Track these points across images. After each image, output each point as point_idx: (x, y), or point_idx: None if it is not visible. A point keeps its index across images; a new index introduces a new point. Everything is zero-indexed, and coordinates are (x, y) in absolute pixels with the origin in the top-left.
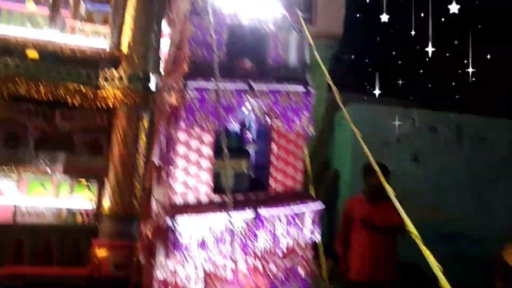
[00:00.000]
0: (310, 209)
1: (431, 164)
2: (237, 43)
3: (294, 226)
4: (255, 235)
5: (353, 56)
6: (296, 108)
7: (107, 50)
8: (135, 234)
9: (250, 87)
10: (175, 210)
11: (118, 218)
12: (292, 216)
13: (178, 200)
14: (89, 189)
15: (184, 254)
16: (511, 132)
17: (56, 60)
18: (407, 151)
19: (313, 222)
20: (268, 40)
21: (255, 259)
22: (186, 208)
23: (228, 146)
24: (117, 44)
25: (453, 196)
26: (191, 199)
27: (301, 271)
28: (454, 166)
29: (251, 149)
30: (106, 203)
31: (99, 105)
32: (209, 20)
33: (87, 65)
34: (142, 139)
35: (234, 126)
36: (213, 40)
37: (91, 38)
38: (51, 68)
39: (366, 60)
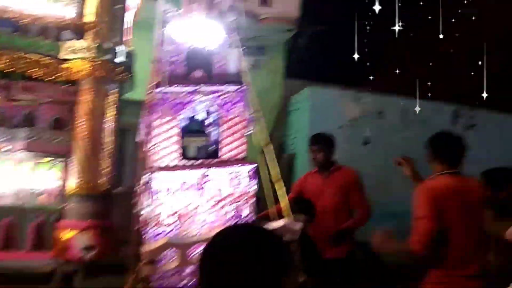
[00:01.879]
0: (247, 169)
1: (380, 146)
2: (192, 60)
3: (236, 180)
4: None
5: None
6: (231, 101)
7: (71, 19)
8: (103, 213)
9: (198, 89)
10: (152, 169)
11: (86, 197)
12: (234, 173)
13: (155, 163)
14: (53, 167)
15: (158, 198)
16: (449, 115)
17: (15, 30)
18: (358, 134)
19: (250, 177)
20: (214, 56)
21: (211, 201)
22: (159, 169)
23: (193, 128)
24: (80, 13)
25: (399, 176)
26: (164, 163)
27: (244, 212)
28: (400, 148)
29: (209, 129)
30: (73, 181)
31: (63, 78)
32: (171, 47)
33: (49, 34)
34: (111, 113)
35: (199, 115)
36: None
37: (53, 6)
38: (9, 38)
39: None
